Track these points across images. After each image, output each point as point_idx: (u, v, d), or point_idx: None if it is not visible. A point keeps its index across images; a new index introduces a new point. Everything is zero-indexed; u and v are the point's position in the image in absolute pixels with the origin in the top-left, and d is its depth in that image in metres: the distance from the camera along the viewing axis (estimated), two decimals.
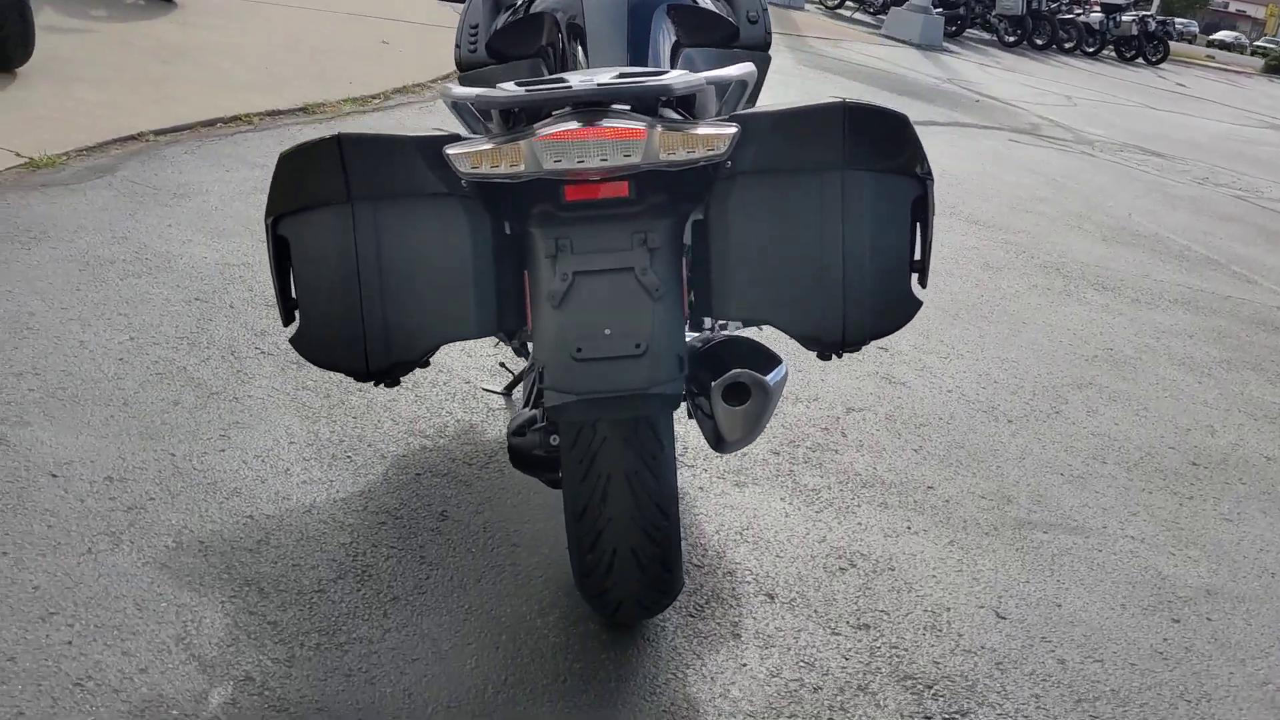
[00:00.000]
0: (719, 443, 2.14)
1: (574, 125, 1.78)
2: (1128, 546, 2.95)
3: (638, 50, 2.69)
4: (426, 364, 1.95)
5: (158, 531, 2.36)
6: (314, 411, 2.94)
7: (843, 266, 1.90)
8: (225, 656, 2.06)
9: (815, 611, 2.49)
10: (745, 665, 2.28)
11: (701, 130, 1.83)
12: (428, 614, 2.27)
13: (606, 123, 1.79)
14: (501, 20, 2.98)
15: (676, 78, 1.83)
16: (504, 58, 2.98)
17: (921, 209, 1.94)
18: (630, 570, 2.06)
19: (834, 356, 2.01)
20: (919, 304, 1.96)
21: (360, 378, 1.90)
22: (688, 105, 2.21)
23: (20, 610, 2.07)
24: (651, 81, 1.81)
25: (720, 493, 2.91)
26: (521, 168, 1.80)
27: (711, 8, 3.02)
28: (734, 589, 2.53)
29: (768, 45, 3.13)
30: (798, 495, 2.96)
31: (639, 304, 1.89)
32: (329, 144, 1.83)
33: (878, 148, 1.90)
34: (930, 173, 1.93)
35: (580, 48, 2.77)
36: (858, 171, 1.90)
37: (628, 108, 1.86)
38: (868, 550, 2.76)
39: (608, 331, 1.88)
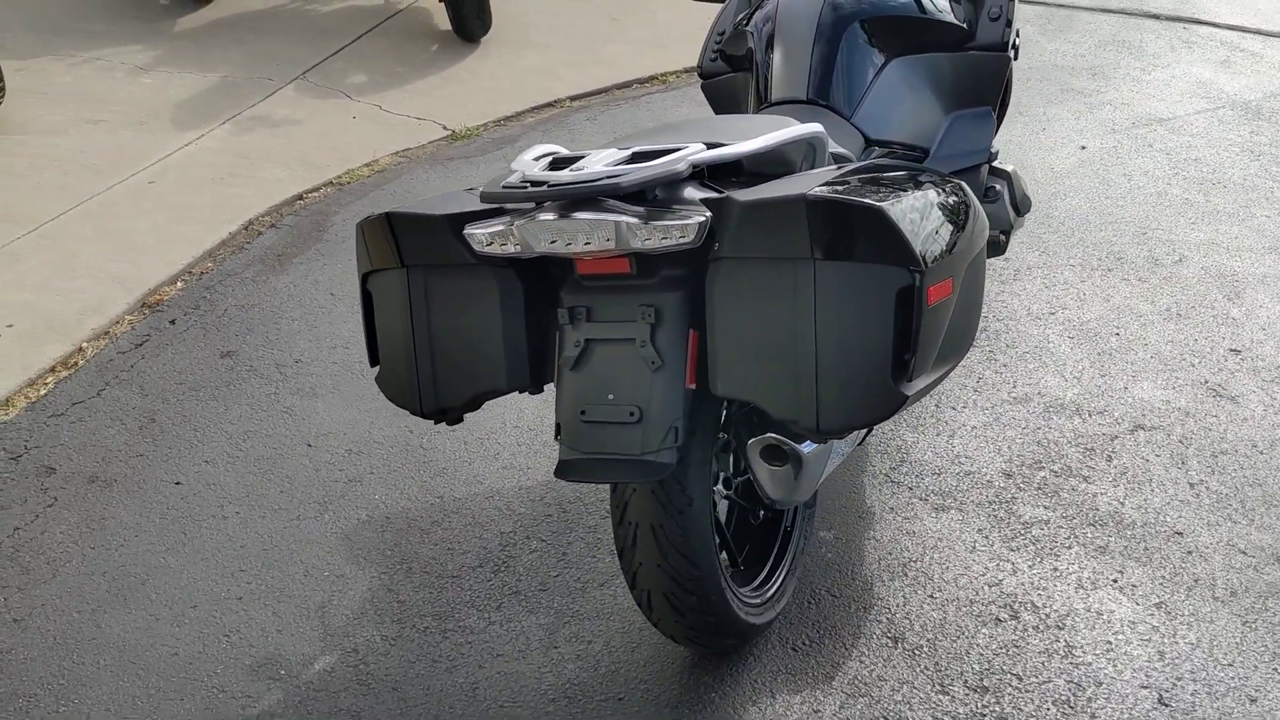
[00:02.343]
0: (767, 497, 2.17)
1: (550, 216, 1.90)
2: None
3: (826, 67, 2.64)
4: (477, 407, 2.15)
5: (358, 505, 2.82)
6: (546, 399, 3.25)
7: (815, 357, 1.86)
8: (347, 628, 2.46)
9: (937, 665, 2.41)
10: (817, 712, 2.29)
11: (665, 221, 1.88)
12: (537, 612, 2.52)
13: (579, 215, 1.89)
14: (728, 30, 3.03)
15: (630, 172, 1.87)
16: (736, 67, 3.05)
17: (906, 300, 1.82)
18: (667, 612, 2.17)
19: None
20: (901, 399, 1.88)
21: (420, 416, 2.16)
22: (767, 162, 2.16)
23: (220, 565, 2.63)
24: (597, 183, 1.86)
25: (910, 516, 2.83)
26: (519, 250, 1.94)
27: (934, 9, 2.84)
28: (860, 627, 2.51)
29: (1006, 45, 2.89)
30: (1001, 528, 2.79)
31: (639, 373, 1.99)
32: (381, 219, 2.08)
33: (850, 239, 1.84)
34: (919, 262, 1.80)
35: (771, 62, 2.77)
36: (830, 262, 1.85)
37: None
38: (1044, 602, 2.57)
39: (611, 397, 2.01)
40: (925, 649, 2.45)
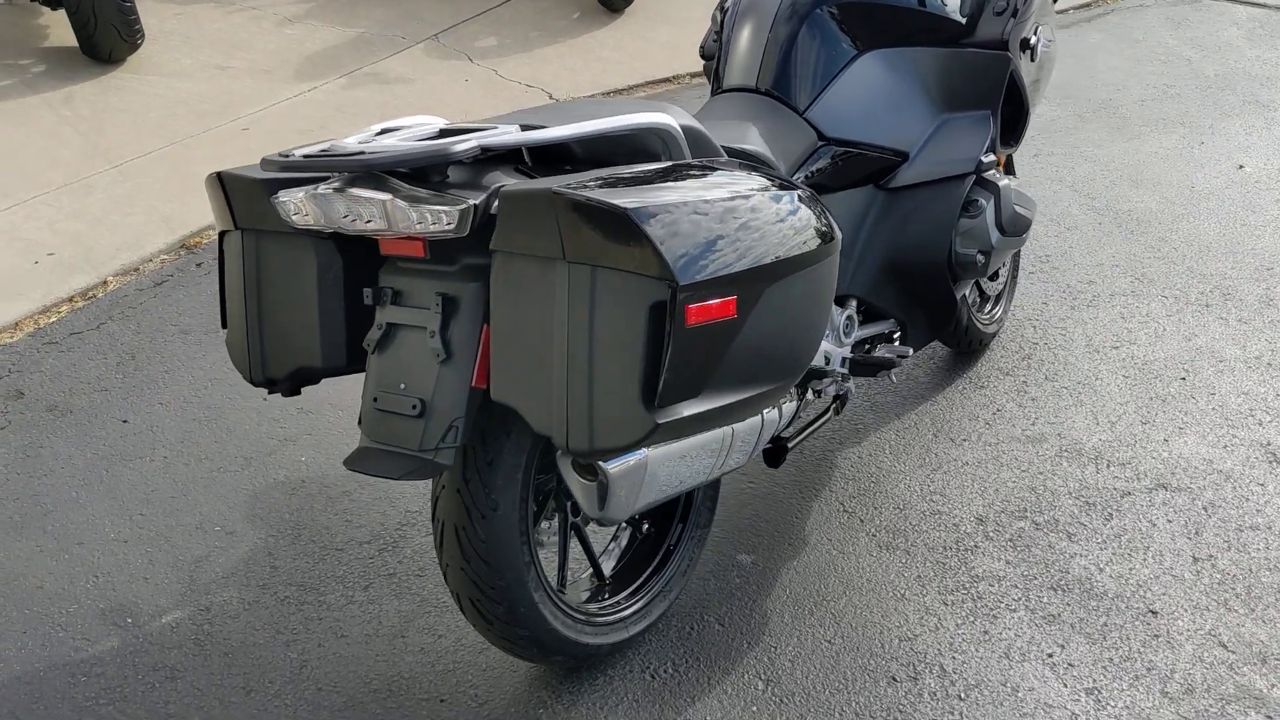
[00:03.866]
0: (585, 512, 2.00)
1: (328, 190, 1.81)
2: None
3: (782, 54, 2.43)
4: (308, 382, 2.07)
5: (282, 464, 2.79)
6: None
7: (567, 369, 1.70)
8: (211, 585, 2.45)
9: (801, 718, 2.18)
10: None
11: (431, 205, 1.76)
12: (403, 597, 2.44)
13: (356, 191, 1.79)
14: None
15: (385, 151, 1.75)
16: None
17: (659, 317, 1.65)
18: (477, 618, 2.05)
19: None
20: (652, 425, 1.69)
21: (250, 384, 2.09)
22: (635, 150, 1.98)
23: (123, 507, 2.66)
24: (351, 158, 1.76)
25: (847, 551, 2.59)
26: (322, 223, 1.85)
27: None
28: (735, 663, 2.31)
29: (1007, 43, 2.57)
30: (944, 578, 2.51)
31: (427, 365, 1.89)
32: (213, 178, 2.02)
33: (599, 243, 1.67)
34: (672, 275, 1.61)
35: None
36: (579, 266, 1.68)
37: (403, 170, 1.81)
38: (956, 667, 2.30)
39: (402, 386, 1.92)
40: (797, 697, 2.22)
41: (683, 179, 1.81)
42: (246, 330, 2.04)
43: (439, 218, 1.74)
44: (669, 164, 1.89)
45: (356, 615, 2.39)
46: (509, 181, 1.83)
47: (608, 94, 5.14)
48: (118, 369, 3.18)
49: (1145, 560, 2.56)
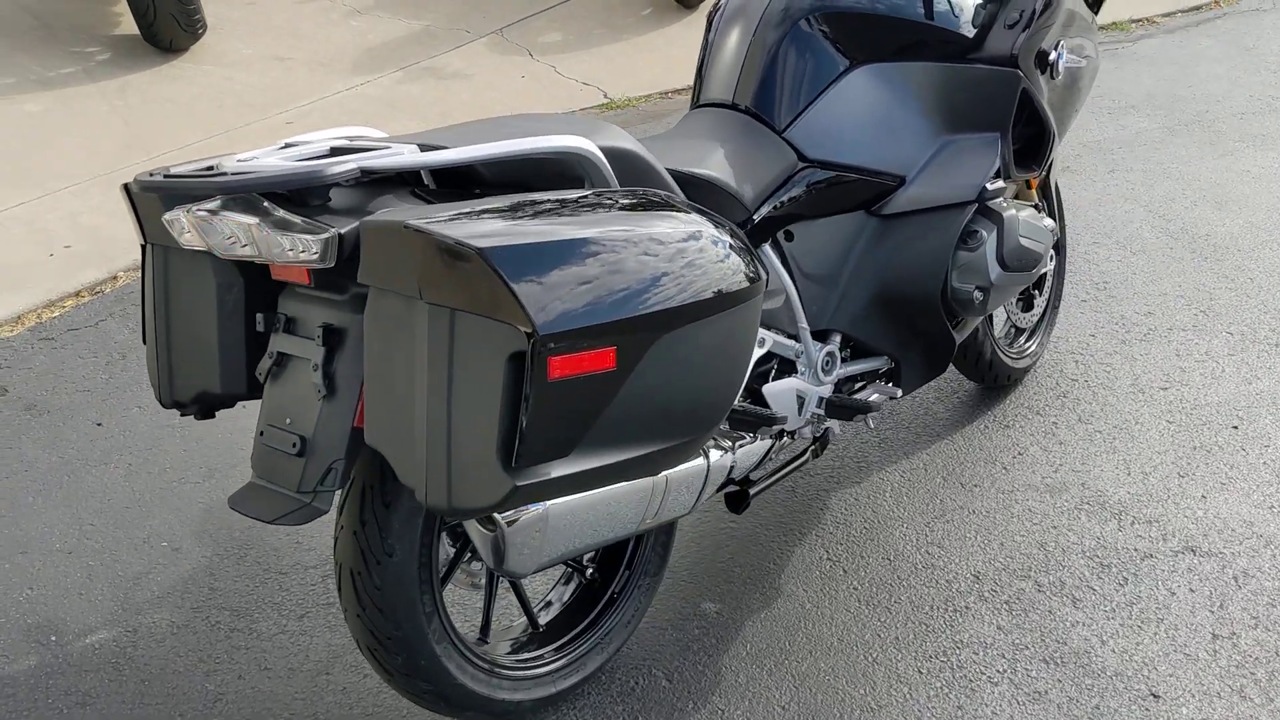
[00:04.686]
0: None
1: (205, 210, 1.69)
2: None
3: (761, 68, 2.24)
4: (216, 405, 1.94)
5: (244, 478, 2.69)
6: None
7: (425, 418, 1.57)
8: (144, 605, 2.37)
9: None
10: None
11: (292, 233, 1.63)
12: (337, 630, 2.32)
13: (228, 212, 1.67)
14: None
15: (250, 174, 1.63)
16: None
17: (518, 369, 1.49)
18: (378, 668, 1.92)
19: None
20: (511, 489, 1.54)
21: (162, 405, 1.98)
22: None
23: (75, 515, 2.59)
24: (206, 179, 1.66)
25: (822, 605, 2.38)
26: (198, 244, 1.74)
27: (943, 9, 2.32)
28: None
29: (1015, 59, 2.32)
30: (925, 642, 2.29)
31: (309, 400, 1.78)
32: (122, 189, 1.92)
33: (454, 283, 1.52)
34: (534, 327, 1.48)
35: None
36: (436, 306, 1.54)
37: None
38: None
39: (288, 421, 1.80)
40: None
41: (573, 213, 1.64)
42: (156, 349, 1.94)
43: (306, 245, 1.61)
44: (557, 194, 1.72)
45: (285, 646, 2.28)
46: (390, 209, 1.69)
47: (666, 95, 4.97)
48: (105, 369, 3.12)
49: (1156, 634, 2.30)
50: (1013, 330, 3.05)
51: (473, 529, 1.80)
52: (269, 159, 1.71)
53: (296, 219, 1.64)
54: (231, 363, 1.86)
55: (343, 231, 1.61)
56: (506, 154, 1.73)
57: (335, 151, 1.73)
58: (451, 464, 1.56)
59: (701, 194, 2.03)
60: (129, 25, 5.18)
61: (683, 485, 1.97)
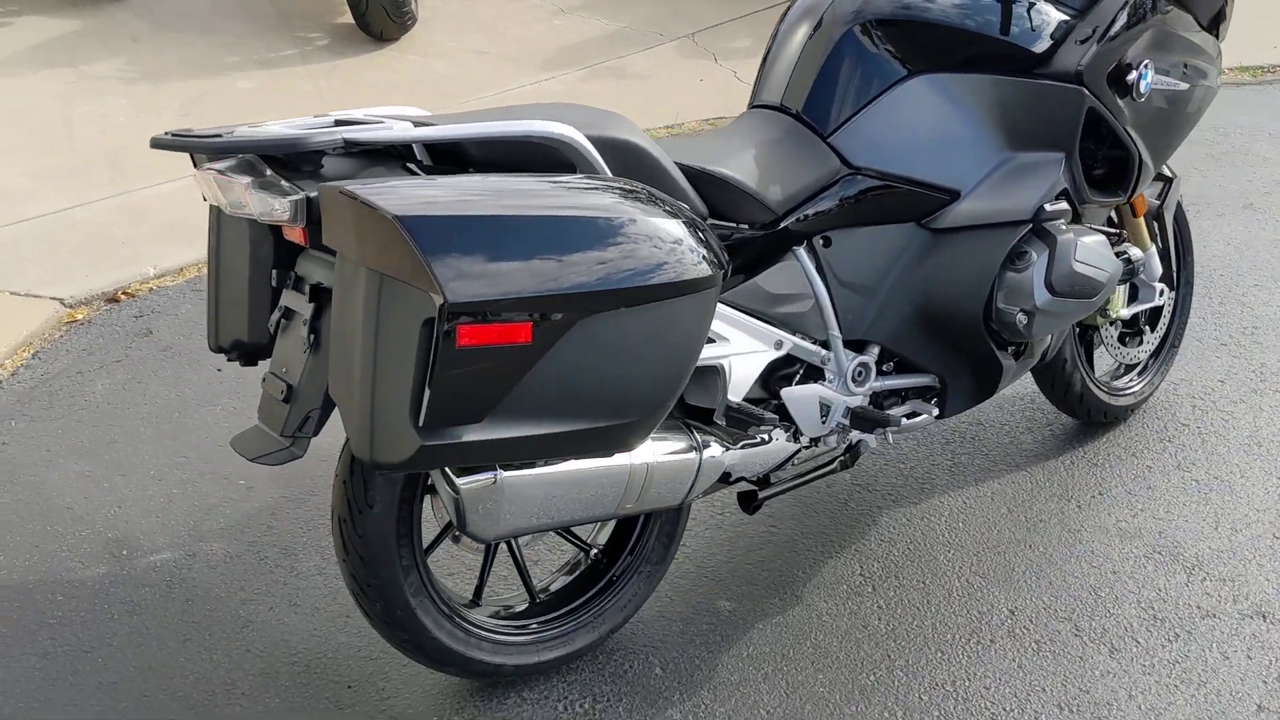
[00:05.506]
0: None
1: (213, 169, 1.84)
2: None
3: (811, 72, 2.24)
4: (252, 354, 2.08)
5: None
6: None
7: (358, 375, 1.69)
8: (62, 615, 2.56)
9: None
10: None
11: (267, 193, 1.76)
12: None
13: (231, 172, 1.82)
14: None
15: (243, 137, 1.77)
16: None
17: (429, 334, 1.60)
18: (362, 613, 2.04)
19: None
20: (420, 447, 1.64)
21: (211, 350, 2.16)
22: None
23: (23, 518, 2.82)
24: (204, 139, 1.79)
25: (839, 627, 2.34)
26: (216, 201, 1.91)
27: (1022, 19, 2.27)
28: (660, 712, 2.14)
29: (1080, 76, 2.23)
30: (938, 672, 2.22)
31: (299, 353, 1.92)
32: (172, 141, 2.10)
33: (379, 247, 1.62)
34: (441, 291, 1.56)
35: None
36: (371, 270, 1.65)
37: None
38: None
39: (284, 370, 1.96)
40: None
41: (525, 194, 1.70)
42: (208, 297, 2.11)
43: (282, 206, 1.74)
44: (530, 177, 1.78)
45: (319, 587, 2.42)
46: (370, 178, 1.79)
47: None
48: (126, 359, 3.24)
49: (1193, 697, 2.15)
50: (1122, 367, 2.90)
51: (441, 488, 1.89)
52: (274, 126, 1.85)
53: (284, 183, 1.77)
54: (259, 314, 2.01)
55: (310, 195, 1.73)
56: (488, 134, 1.81)
57: (339, 124, 1.84)
58: (374, 420, 1.67)
59: (716, 192, 2.05)
60: (351, 15, 5.55)
61: (669, 476, 2.00)
